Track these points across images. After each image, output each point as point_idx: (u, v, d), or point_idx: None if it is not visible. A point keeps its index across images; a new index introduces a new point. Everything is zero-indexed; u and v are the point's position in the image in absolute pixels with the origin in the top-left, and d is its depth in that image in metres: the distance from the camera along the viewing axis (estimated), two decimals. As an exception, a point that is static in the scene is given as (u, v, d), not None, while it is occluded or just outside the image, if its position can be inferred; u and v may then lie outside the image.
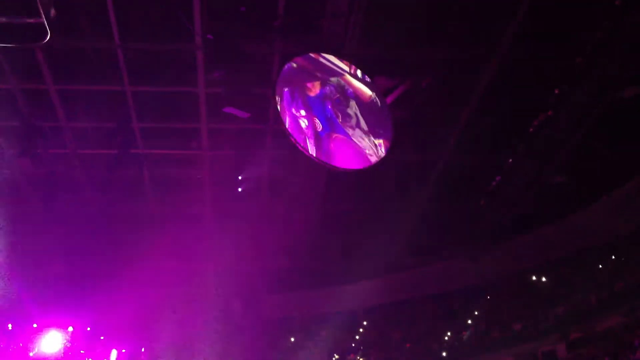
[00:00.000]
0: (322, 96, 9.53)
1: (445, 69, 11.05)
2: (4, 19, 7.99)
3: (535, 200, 15.03)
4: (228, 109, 9.74)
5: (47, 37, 7.93)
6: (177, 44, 10.31)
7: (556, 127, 12.36)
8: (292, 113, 9.05)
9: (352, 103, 9.67)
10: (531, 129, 12.58)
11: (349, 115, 9.56)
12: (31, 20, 7.89)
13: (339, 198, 14.81)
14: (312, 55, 9.55)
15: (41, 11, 7.72)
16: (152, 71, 10.76)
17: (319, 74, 9.53)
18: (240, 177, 12.78)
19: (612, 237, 17.44)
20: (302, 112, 9.23)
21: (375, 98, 9.84)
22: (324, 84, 9.57)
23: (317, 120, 9.29)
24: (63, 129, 12.08)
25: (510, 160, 13.52)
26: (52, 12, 7.94)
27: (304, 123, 9.10)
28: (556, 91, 11.76)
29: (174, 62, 10.69)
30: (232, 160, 12.84)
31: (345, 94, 9.70)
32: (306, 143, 8.92)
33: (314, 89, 9.54)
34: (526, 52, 10.87)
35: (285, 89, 9.09)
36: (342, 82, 9.72)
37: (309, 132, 9.12)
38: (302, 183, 13.86)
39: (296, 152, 9.00)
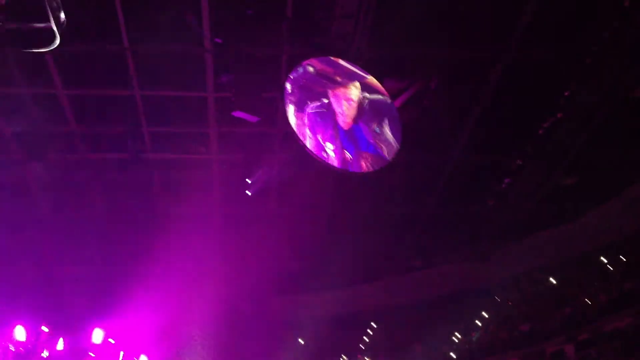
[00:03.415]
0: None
1: (454, 70, 11.05)
2: (13, 24, 8.01)
3: (544, 201, 15.01)
4: (237, 113, 9.75)
5: (56, 41, 7.93)
6: (186, 47, 10.34)
7: (565, 128, 12.33)
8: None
9: (366, 100, 9.69)
10: (540, 130, 12.56)
11: (363, 110, 9.61)
12: (40, 25, 7.90)
13: (348, 200, 14.81)
14: (331, 58, 9.54)
15: (50, 16, 7.72)
16: (162, 75, 10.78)
17: (339, 78, 9.54)
18: (249, 180, 12.80)
19: (621, 237, 17.38)
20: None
21: (387, 99, 9.85)
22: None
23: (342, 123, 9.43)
24: (73, 133, 12.13)
25: (520, 161, 13.50)
26: (62, 16, 7.95)
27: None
28: (565, 92, 11.73)
29: (183, 66, 10.71)
30: (241, 163, 12.86)
31: (367, 99, 9.73)
32: (325, 130, 9.06)
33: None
34: (535, 53, 10.86)
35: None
36: (361, 85, 9.74)
37: (329, 129, 9.22)
38: (310, 185, 13.86)
39: (305, 154, 9.01)
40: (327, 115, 9.38)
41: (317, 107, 9.26)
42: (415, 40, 10.36)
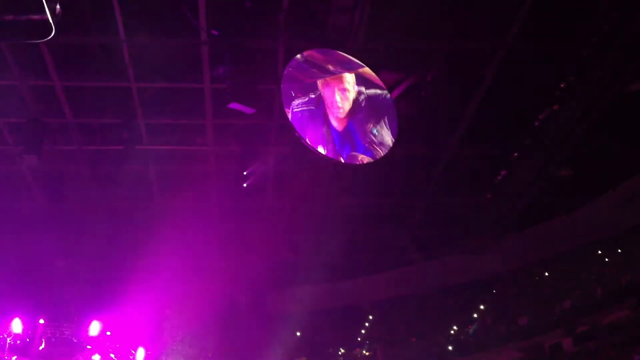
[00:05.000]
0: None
1: (451, 62, 11.02)
2: (9, 16, 7.98)
3: (542, 194, 15.00)
4: (233, 105, 9.72)
5: (52, 33, 7.90)
6: (182, 39, 10.30)
7: (562, 121, 12.32)
8: (305, 102, 8.75)
9: (362, 95, 9.31)
10: (537, 123, 12.54)
11: (359, 107, 9.27)
12: (36, 17, 7.86)
13: (344, 192, 14.79)
14: (328, 50, 9.31)
15: (46, 7, 7.69)
16: (158, 67, 10.75)
17: (331, 67, 9.24)
18: (245, 172, 12.78)
19: (618, 230, 17.42)
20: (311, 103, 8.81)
21: (383, 91, 9.71)
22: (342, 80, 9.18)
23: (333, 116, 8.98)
24: (69, 125, 12.11)
25: (516, 153, 13.48)
26: (57, 8, 7.92)
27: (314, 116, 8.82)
28: (562, 85, 11.71)
29: (179, 58, 10.69)
30: (238, 155, 12.85)
31: (364, 94, 9.31)
32: (316, 130, 8.75)
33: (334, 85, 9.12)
34: (532, 45, 10.83)
35: (304, 82, 8.83)
36: (356, 76, 9.42)
37: (319, 128, 8.84)
38: (307, 177, 13.86)
39: (301, 147, 8.94)
40: (316, 114, 8.85)
41: (304, 104, 8.75)
42: (412, 33, 10.31)
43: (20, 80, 10.85)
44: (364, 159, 9.14)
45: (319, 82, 9.07)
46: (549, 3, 9.97)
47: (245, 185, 12.72)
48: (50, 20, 7.72)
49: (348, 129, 9.06)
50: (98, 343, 15.32)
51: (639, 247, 18.21)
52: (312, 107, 8.81)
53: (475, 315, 23.43)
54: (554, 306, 20.92)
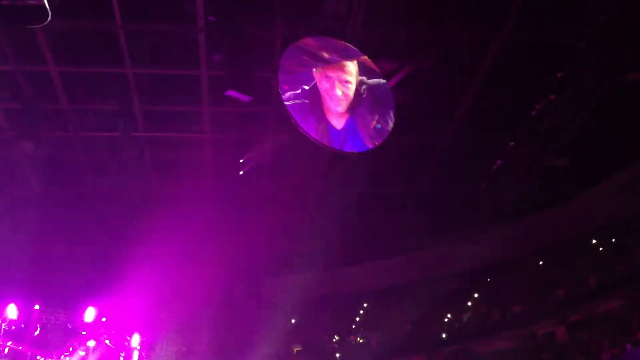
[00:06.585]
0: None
1: (448, 52, 10.99)
2: (5, 1, 7.93)
3: (537, 184, 15.04)
4: (230, 92, 9.69)
5: (48, 18, 7.87)
6: (179, 26, 10.25)
7: (558, 111, 12.33)
8: (298, 95, 8.34)
9: (364, 85, 8.92)
10: (533, 112, 12.55)
11: (361, 99, 8.92)
12: (32, 2, 7.82)
13: (340, 181, 14.79)
14: (322, 37, 9.12)
15: (42, -8, 7.65)
16: (154, 53, 10.70)
17: (326, 54, 8.96)
18: (241, 160, 12.76)
19: (612, 220, 17.50)
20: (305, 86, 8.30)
21: (380, 80, 9.59)
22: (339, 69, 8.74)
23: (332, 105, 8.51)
24: (64, 111, 12.05)
25: (512, 143, 13.50)
26: (53, -7, 7.88)
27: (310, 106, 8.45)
28: (559, 75, 11.71)
29: (176, 44, 10.63)
30: (234, 143, 12.82)
31: (365, 84, 8.88)
32: (310, 126, 8.55)
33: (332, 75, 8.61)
34: (529, 35, 10.82)
35: (296, 72, 8.45)
36: (355, 64, 9.18)
37: (312, 124, 8.41)
38: (303, 166, 13.84)
39: (298, 135, 8.88)
40: (309, 109, 8.27)
41: (296, 96, 8.20)
42: (409, 21, 10.27)
43: (16, 65, 10.78)
44: (362, 148, 8.94)
45: (315, 73, 8.56)
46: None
47: (241, 172, 12.70)
48: (47, 5, 7.70)
49: (348, 126, 8.56)
50: (93, 329, 15.31)
51: (633, 237, 18.28)
52: (305, 101, 8.22)
53: (469, 304, 23.54)
54: (548, 295, 21.02)
